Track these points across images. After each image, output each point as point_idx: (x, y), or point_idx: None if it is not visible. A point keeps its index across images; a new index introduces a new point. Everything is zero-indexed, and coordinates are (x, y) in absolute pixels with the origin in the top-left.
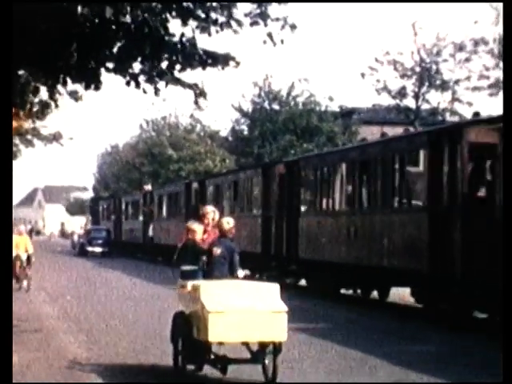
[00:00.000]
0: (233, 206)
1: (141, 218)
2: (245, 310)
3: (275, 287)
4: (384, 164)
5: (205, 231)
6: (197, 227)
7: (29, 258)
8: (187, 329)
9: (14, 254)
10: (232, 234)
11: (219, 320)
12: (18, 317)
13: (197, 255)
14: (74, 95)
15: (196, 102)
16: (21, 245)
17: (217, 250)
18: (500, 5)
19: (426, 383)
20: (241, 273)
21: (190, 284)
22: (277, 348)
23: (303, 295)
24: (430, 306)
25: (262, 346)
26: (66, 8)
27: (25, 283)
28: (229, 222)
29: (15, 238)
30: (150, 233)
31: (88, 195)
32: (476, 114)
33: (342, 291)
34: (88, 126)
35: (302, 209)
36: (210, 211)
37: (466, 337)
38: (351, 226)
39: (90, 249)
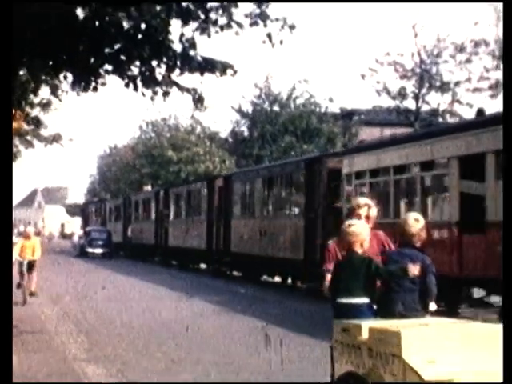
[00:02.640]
0: (187, 211)
1: (121, 220)
2: (484, 373)
3: None
4: (280, 181)
5: None
6: (363, 227)
7: (30, 264)
8: None
9: (14, 259)
10: (421, 240)
11: None
12: (17, 317)
13: (370, 278)
14: (77, 89)
15: (195, 106)
16: (28, 249)
17: (413, 268)
18: (500, 5)
19: None
20: (432, 306)
21: (365, 327)
22: None
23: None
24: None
25: None
26: (66, 8)
27: (26, 295)
28: (418, 220)
29: (21, 242)
30: (129, 233)
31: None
32: (480, 111)
33: (264, 277)
34: (87, 128)
35: (233, 214)
36: (363, 204)
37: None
38: (262, 227)
39: (90, 250)
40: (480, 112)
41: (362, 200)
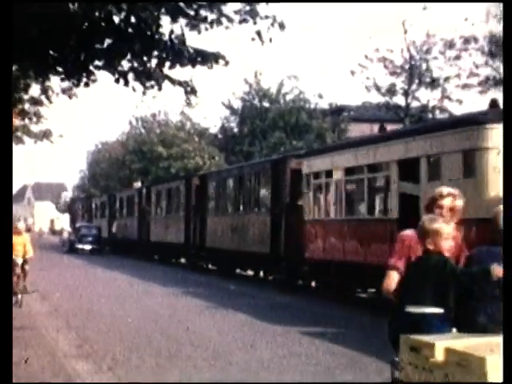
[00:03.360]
0: (167, 207)
1: (107, 217)
2: None
3: None
4: (249, 180)
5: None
6: (445, 225)
7: (24, 263)
8: None
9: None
10: None
11: None
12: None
13: (445, 282)
14: (68, 92)
15: (187, 100)
16: (18, 246)
17: (498, 270)
18: (490, 3)
19: None
20: None
21: (439, 347)
22: None
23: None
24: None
25: None
26: (58, 5)
27: (19, 296)
28: None
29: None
30: (114, 229)
31: (70, 194)
32: (420, 118)
33: (238, 271)
34: (77, 123)
35: (208, 210)
36: (446, 193)
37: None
38: (233, 223)
39: (79, 246)
40: (420, 119)
41: (446, 189)
